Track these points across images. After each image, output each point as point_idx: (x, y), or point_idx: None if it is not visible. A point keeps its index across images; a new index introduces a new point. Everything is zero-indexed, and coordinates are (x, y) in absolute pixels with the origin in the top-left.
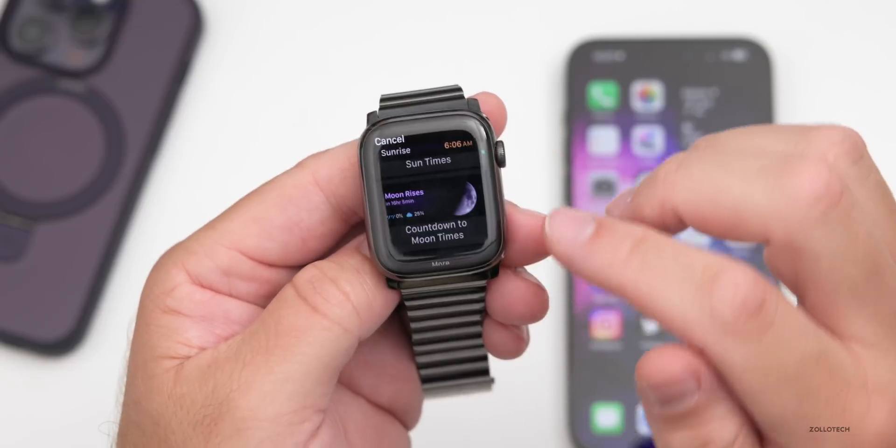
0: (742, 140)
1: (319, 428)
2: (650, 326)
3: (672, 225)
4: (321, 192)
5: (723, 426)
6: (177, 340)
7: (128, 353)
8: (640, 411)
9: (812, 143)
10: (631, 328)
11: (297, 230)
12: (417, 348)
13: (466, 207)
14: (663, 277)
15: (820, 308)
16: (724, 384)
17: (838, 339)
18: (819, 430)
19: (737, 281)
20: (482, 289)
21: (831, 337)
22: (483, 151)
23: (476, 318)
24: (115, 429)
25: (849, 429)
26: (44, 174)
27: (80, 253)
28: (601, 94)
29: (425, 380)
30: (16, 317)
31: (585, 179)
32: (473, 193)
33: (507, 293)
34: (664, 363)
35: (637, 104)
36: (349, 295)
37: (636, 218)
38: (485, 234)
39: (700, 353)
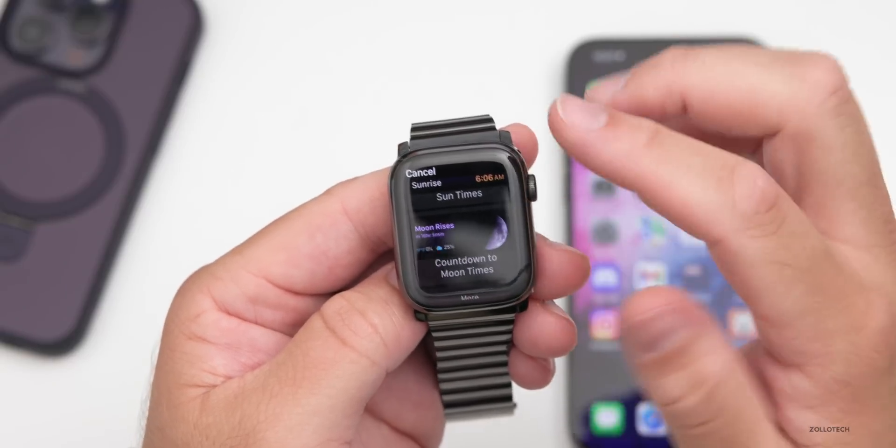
0: (741, 47)
1: None
2: None
3: (674, 111)
4: (350, 222)
5: (715, 360)
6: (202, 368)
7: (151, 378)
8: (640, 411)
9: (811, 56)
10: None
11: (325, 259)
12: (442, 376)
13: (497, 241)
14: (684, 168)
15: (818, 207)
16: (708, 317)
17: (832, 241)
18: (826, 330)
19: (755, 174)
20: (510, 322)
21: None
22: (514, 185)
23: (503, 348)
24: None
25: (856, 329)
26: (44, 174)
27: (80, 253)
28: None
29: (448, 405)
30: (16, 317)
31: (585, 179)
32: (504, 227)
33: (535, 327)
34: (648, 301)
35: None
36: (377, 327)
37: (635, 100)
38: (515, 269)
39: (675, 291)
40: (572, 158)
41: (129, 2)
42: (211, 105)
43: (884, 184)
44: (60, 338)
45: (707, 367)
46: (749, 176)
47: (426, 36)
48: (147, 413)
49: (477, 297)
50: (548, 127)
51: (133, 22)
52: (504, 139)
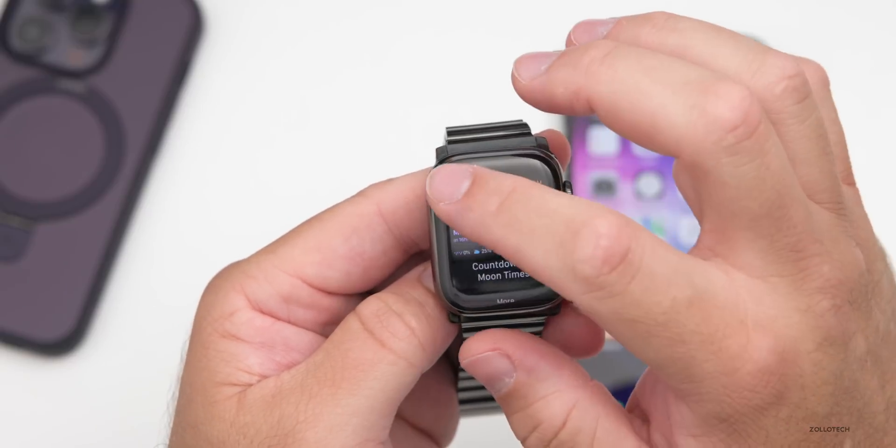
0: (698, 37)
1: None
2: None
3: (581, 111)
4: (385, 223)
5: (548, 405)
6: (237, 367)
7: (181, 373)
8: None
9: (763, 69)
10: None
11: (360, 260)
12: (463, 374)
13: None
14: (528, 234)
15: (716, 233)
16: (550, 361)
17: (728, 266)
18: (695, 375)
19: (599, 232)
20: (541, 324)
21: (717, 267)
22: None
23: None
24: None
25: (726, 372)
26: (44, 174)
27: (80, 253)
28: None
29: (464, 402)
30: (16, 317)
31: (585, 179)
32: None
33: (566, 329)
34: (475, 345)
35: None
36: (415, 330)
37: (545, 94)
38: None
39: (511, 336)
40: (572, 158)
41: (129, 2)
42: (211, 105)
43: (796, 211)
44: (60, 338)
45: (541, 412)
46: (592, 235)
47: (426, 36)
48: (176, 410)
49: (512, 300)
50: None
51: (133, 22)
52: (541, 145)
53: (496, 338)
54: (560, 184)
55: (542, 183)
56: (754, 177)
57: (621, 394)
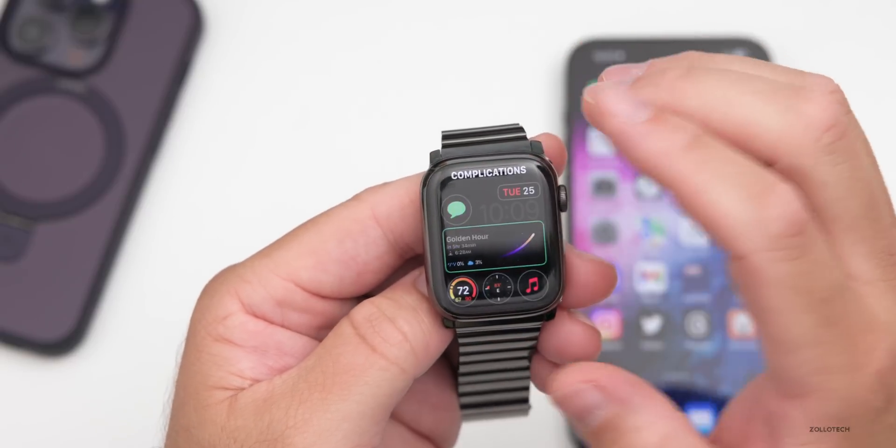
0: (741, 65)
1: None
2: (650, 326)
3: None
4: (379, 228)
5: (642, 437)
6: (229, 371)
7: (176, 376)
8: None
9: (811, 84)
10: (631, 328)
11: (354, 264)
12: (463, 379)
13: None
14: (720, 177)
15: None
16: (642, 392)
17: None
18: (829, 365)
19: (789, 198)
20: (536, 329)
21: None
22: (545, 196)
23: (525, 354)
24: None
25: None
26: (44, 174)
27: (80, 253)
28: None
29: (465, 407)
30: (16, 317)
31: (585, 179)
32: (534, 237)
33: (562, 336)
34: (565, 378)
35: None
36: (407, 335)
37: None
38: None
39: (601, 368)
40: (572, 158)
41: (129, 2)
42: (211, 105)
43: (885, 215)
44: (60, 338)
45: (635, 443)
46: (783, 197)
47: (427, 36)
48: (171, 412)
49: (506, 306)
50: (584, 113)
51: (133, 22)
52: (535, 149)
53: (587, 370)
54: (555, 189)
55: (537, 188)
56: (851, 176)
57: None
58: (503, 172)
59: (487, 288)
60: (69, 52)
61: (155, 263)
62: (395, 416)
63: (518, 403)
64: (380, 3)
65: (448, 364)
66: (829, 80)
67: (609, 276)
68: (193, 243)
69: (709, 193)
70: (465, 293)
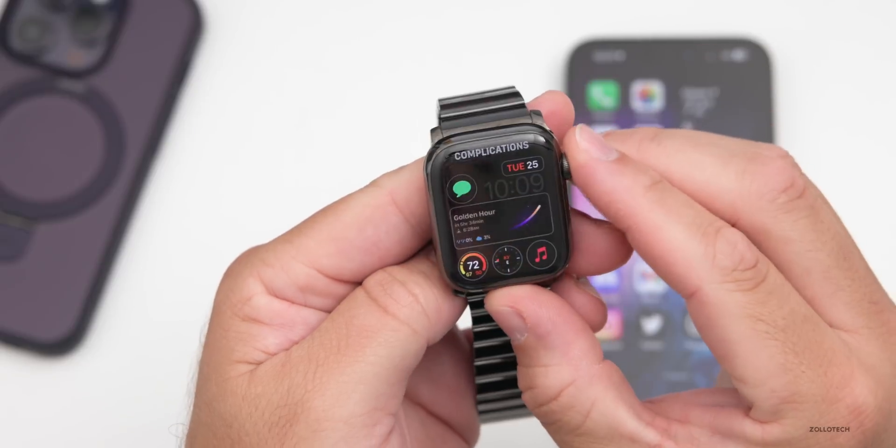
0: (699, 135)
1: (391, 433)
2: (651, 326)
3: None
4: (400, 213)
5: (545, 374)
6: (255, 346)
7: (200, 356)
8: None
9: (764, 150)
10: (631, 328)
11: (375, 250)
12: (479, 361)
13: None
14: (675, 216)
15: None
16: (563, 332)
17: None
18: (799, 393)
19: (737, 238)
20: None
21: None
22: (549, 165)
23: None
24: (183, 430)
25: (828, 400)
26: (44, 174)
27: (80, 253)
28: (601, 94)
29: (482, 389)
30: (16, 317)
31: None
32: (540, 207)
33: (569, 302)
34: (497, 298)
35: (637, 104)
36: (418, 297)
37: (596, 183)
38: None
39: (533, 297)
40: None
41: (129, 2)
42: (211, 105)
43: (858, 265)
44: (60, 338)
45: (538, 378)
46: (732, 237)
47: (426, 36)
48: (195, 390)
49: (515, 275)
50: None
51: (133, 22)
52: (535, 118)
53: (517, 296)
54: (558, 157)
55: (541, 161)
56: (814, 230)
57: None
58: (506, 149)
59: (497, 261)
60: (69, 52)
61: (155, 263)
62: (413, 399)
63: None
64: (378, 3)
65: (466, 357)
66: (780, 148)
67: (619, 242)
68: (193, 243)
69: (662, 230)
70: (476, 267)
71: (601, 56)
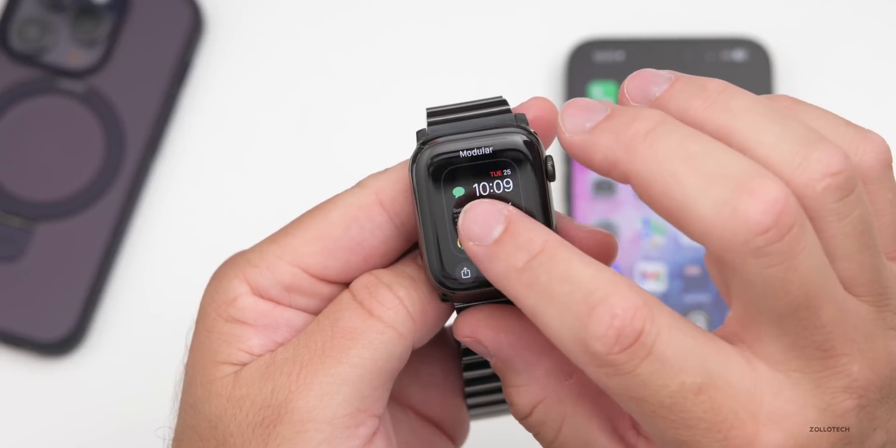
0: (747, 120)
1: (375, 435)
2: None
3: (617, 180)
4: (385, 213)
5: (517, 394)
6: (239, 347)
7: (186, 359)
8: None
9: (805, 164)
10: None
11: (360, 249)
12: (466, 359)
13: None
14: (548, 299)
15: (741, 322)
16: (526, 355)
17: (751, 354)
18: None
19: (614, 312)
20: None
21: (739, 354)
22: (533, 167)
23: None
24: (170, 434)
25: None
26: (44, 174)
27: (80, 253)
28: (601, 95)
29: (469, 382)
30: (16, 317)
31: (585, 179)
32: (524, 209)
33: None
34: (459, 330)
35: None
36: (403, 300)
37: (584, 154)
38: None
39: (490, 323)
40: (571, 158)
41: (129, 2)
42: (211, 105)
43: (826, 311)
44: (60, 338)
45: (512, 397)
46: (607, 313)
47: (426, 36)
48: (180, 393)
49: None
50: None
51: (133, 22)
52: (520, 121)
53: (475, 325)
54: (541, 159)
55: (524, 163)
56: (781, 279)
57: None
58: (490, 150)
59: None
60: (69, 52)
61: (155, 263)
62: (403, 401)
63: None
64: (379, 3)
65: (455, 355)
66: (837, 160)
67: (608, 245)
68: (193, 243)
69: (538, 315)
70: (466, 274)
71: (601, 56)
